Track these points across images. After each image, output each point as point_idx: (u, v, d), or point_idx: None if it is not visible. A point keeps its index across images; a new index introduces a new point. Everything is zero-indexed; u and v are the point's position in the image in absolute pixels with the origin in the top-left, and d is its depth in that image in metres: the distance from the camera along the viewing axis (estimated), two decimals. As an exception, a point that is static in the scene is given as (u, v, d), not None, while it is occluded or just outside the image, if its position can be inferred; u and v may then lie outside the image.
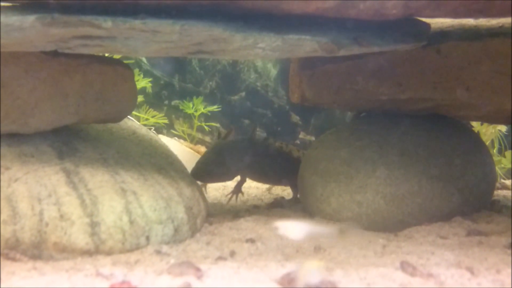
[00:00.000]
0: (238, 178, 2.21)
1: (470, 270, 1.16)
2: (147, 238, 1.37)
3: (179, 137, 3.35)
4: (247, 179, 2.22)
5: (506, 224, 1.67)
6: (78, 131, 1.66)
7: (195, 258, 1.29)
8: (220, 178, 2.13)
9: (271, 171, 2.19)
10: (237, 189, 2.20)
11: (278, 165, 2.19)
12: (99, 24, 1.16)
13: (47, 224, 1.29)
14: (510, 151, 2.95)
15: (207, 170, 2.01)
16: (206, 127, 3.42)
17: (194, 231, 1.52)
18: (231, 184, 2.38)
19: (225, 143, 2.16)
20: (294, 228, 1.37)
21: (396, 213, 1.73)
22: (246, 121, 3.59)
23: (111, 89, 1.58)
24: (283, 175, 2.22)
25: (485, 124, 2.81)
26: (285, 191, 2.62)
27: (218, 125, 3.53)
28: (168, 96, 3.57)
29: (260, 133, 3.39)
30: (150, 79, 3.27)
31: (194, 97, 3.34)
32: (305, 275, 1.05)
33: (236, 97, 3.63)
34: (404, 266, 1.16)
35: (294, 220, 1.72)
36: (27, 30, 1.15)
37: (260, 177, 2.26)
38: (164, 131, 3.46)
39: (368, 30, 1.41)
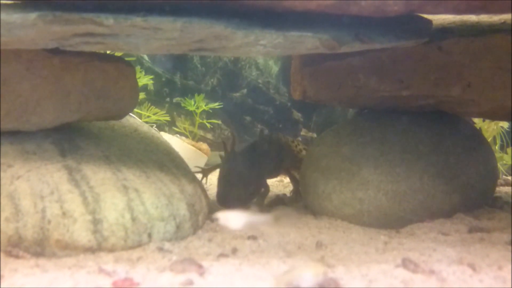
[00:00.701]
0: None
1: (472, 266, 1.16)
2: (149, 235, 1.37)
3: (181, 134, 3.36)
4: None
5: (508, 221, 1.67)
6: (80, 128, 1.66)
7: (197, 255, 1.29)
8: (250, 199, 1.91)
9: (276, 165, 2.18)
10: (261, 202, 2.08)
11: (279, 157, 2.19)
12: (101, 21, 1.16)
13: (49, 222, 1.29)
14: (512, 147, 2.95)
15: (236, 197, 1.83)
16: (207, 124, 3.42)
17: (196, 228, 1.52)
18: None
19: (239, 157, 1.96)
20: (233, 219, 1.38)
21: (397, 210, 1.73)
22: (248, 118, 3.59)
23: (112, 87, 1.58)
24: (282, 166, 2.22)
25: (487, 121, 2.81)
26: (286, 188, 2.63)
27: (219, 122, 3.53)
28: (169, 93, 3.58)
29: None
30: (151, 76, 3.28)
31: (196, 94, 3.35)
32: (298, 279, 1.05)
33: (237, 94, 3.63)
34: (406, 263, 1.16)
35: (233, 211, 1.68)
36: (29, 27, 1.15)
37: (271, 175, 2.23)
38: (166, 128, 3.47)
39: (369, 26, 1.41)
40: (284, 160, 2.23)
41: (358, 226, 1.74)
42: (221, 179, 1.90)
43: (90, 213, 1.31)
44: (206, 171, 2.24)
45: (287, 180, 2.73)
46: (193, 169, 1.81)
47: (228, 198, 1.82)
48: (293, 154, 2.33)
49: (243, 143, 2.67)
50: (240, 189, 1.84)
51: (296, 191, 2.27)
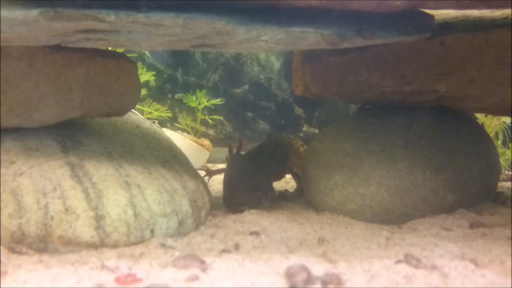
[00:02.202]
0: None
1: (474, 262, 1.16)
2: (152, 231, 1.37)
3: (183, 130, 3.36)
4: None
5: (510, 216, 1.67)
6: (82, 125, 1.66)
7: (199, 251, 1.30)
8: (258, 202, 1.85)
9: (282, 167, 2.15)
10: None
11: (284, 158, 2.17)
12: (102, 17, 1.16)
13: (52, 218, 1.29)
14: (514, 142, 2.94)
15: (244, 200, 1.79)
16: (209, 120, 3.42)
17: (198, 224, 1.52)
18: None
19: (246, 160, 1.93)
20: None
21: (400, 205, 1.73)
22: (250, 114, 3.59)
23: (114, 83, 1.59)
24: (287, 166, 2.21)
25: (490, 116, 2.81)
26: (288, 184, 2.63)
27: (221, 118, 3.53)
28: (171, 90, 3.58)
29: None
30: (153, 73, 3.28)
31: (198, 90, 3.35)
32: None
33: (239, 90, 3.63)
34: (408, 258, 1.17)
35: None
36: (31, 24, 1.15)
37: (278, 177, 2.19)
38: (168, 124, 3.47)
39: (371, 22, 1.41)
40: (289, 160, 2.21)
41: (361, 222, 1.74)
42: (227, 183, 1.85)
43: (92, 209, 1.32)
44: (211, 172, 2.22)
45: (289, 175, 2.73)
46: (198, 169, 1.78)
47: (236, 201, 1.79)
48: (296, 153, 2.33)
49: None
50: (248, 192, 1.81)
51: (298, 187, 2.27)
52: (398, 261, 1.17)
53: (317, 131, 3.59)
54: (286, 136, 2.37)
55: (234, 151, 1.99)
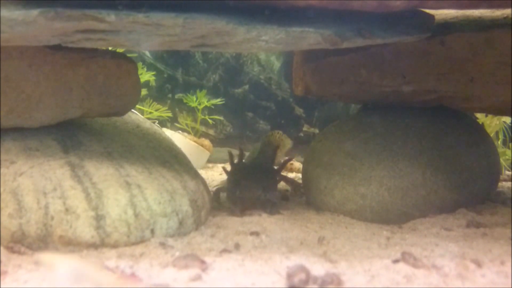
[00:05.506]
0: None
1: (475, 261, 1.16)
2: (152, 231, 1.37)
3: (183, 130, 3.36)
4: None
5: (510, 216, 1.67)
6: (82, 125, 1.66)
7: (199, 251, 1.30)
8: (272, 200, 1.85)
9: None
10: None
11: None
12: (103, 17, 1.16)
13: (52, 218, 1.29)
14: (514, 142, 2.94)
15: (261, 197, 1.79)
16: (209, 120, 3.42)
17: (198, 224, 1.52)
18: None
19: (252, 165, 1.95)
20: None
21: (400, 205, 1.73)
22: (250, 114, 3.59)
23: (114, 83, 1.59)
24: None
25: (490, 116, 2.80)
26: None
27: (221, 118, 3.53)
28: (171, 90, 3.57)
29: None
30: (153, 73, 3.28)
31: (198, 90, 3.34)
32: None
33: (239, 90, 3.62)
34: (405, 257, 1.17)
35: None
36: (31, 24, 1.15)
37: None
38: (168, 124, 3.47)
39: (372, 22, 1.41)
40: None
41: (361, 222, 1.74)
42: (238, 186, 1.81)
43: (93, 209, 1.32)
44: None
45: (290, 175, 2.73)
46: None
47: (265, 200, 1.78)
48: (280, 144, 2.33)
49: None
50: (265, 192, 1.80)
51: (297, 187, 2.26)
52: (395, 261, 1.17)
53: (317, 131, 3.59)
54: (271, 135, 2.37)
55: (235, 160, 1.99)
